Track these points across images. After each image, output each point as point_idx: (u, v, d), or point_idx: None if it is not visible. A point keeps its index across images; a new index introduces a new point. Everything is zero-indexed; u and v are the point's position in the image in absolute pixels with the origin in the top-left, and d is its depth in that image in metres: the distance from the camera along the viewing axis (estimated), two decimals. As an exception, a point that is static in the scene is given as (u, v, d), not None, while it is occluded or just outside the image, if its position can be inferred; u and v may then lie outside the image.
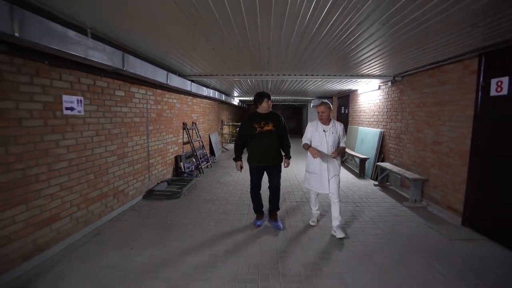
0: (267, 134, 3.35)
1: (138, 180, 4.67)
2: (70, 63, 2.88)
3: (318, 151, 3.20)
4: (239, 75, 5.70)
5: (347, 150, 7.24)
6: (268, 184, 3.60)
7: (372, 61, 4.28)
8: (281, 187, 3.64)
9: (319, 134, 3.35)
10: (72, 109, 3.09)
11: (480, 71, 3.51)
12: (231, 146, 13.34)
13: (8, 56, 2.34)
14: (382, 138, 6.36)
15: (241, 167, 3.58)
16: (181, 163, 6.37)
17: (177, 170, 6.33)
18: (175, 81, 4.98)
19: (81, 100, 3.23)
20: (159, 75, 4.33)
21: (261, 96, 3.36)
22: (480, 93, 3.50)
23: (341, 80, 6.33)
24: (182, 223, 3.74)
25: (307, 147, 3.33)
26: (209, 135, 9.32)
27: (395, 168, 5.36)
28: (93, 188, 3.51)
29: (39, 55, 2.52)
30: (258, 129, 3.33)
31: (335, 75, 5.65)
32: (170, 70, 4.89)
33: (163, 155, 5.70)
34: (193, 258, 2.85)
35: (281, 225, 3.56)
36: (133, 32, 2.95)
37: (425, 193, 4.67)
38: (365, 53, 3.75)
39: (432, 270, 2.65)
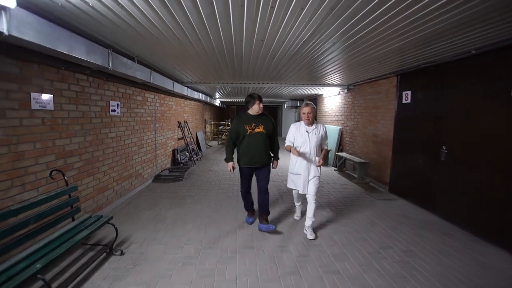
0: (257, 136, 3.36)
1: (150, 166, 5.88)
2: (115, 77, 4.08)
3: (300, 152, 3.27)
4: (223, 83, 7.04)
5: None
6: (257, 186, 3.62)
7: (333, 74, 5.74)
8: (268, 187, 3.65)
9: (301, 135, 3.35)
10: (114, 110, 4.29)
11: (397, 86, 5.18)
12: (214, 143, 14.60)
13: (89, 76, 3.55)
14: (341, 134, 8.02)
15: (233, 168, 3.53)
16: (178, 155, 7.60)
17: (174, 161, 7.55)
18: (177, 87, 6.24)
19: (118, 104, 4.43)
20: (168, 84, 5.58)
21: (252, 98, 3.37)
22: (397, 100, 5.16)
23: (309, 87, 7.88)
24: (191, 195, 5.05)
25: (289, 148, 3.34)
26: (196, 132, 10.54)
27: (349, 156, 7.01)
28: (124, 170, 4.71)
29: (101, 74, 3.72)
30: (249, 131, 3.35)
31: (303, 84, 7.16)
32: (173, 79, 6.13)
33: (165, 148, 6.91)
34: (206, 211, 4.20)
35: (273, 227, 3.47)
36: (157, 58, 4.21)
37: (368, 172, 6.34)
38: (329, 69, 5.05)
39: (363, 215, 4.21)
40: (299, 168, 3.38)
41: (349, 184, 6.10)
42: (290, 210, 4.33)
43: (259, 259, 2.87)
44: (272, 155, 3.66)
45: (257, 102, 3.39)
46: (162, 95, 6.58)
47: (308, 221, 3.39)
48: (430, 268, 2.73)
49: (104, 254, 2.87)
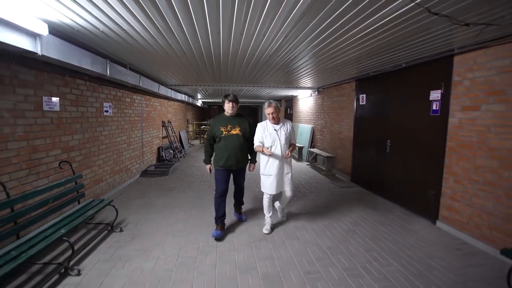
0: (233, 138, 3.32)
1: (137, 162, 6.40)
2: (108, 82, 4.61)
3: (272, 151, 3.27)
4: (204, 85, 7.64)
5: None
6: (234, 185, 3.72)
7: (304, 78, 6.44)
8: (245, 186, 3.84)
9: (270, 134, 3.34)
10: (107, 111, 4.82)
11: (356, 89, 6.03)
12: (196, 142, 15.11)
13: (87, 81, 4.08)
14: (313, 131, 8.86)
15: (211, 170, 3.61)
16: (163, 153, 8.13)
17: (159, 158, 8.07)
18: (162, 90, 6.79)
19: (110, 106, 4.95)
20: (154, 87, 6.13)
21: (225, 97, 3.35)
22: (356, 102, 6.02)
23: (285, 90, 8.64)
24: (176, 187, 5.65)
25: (261, 148, 3.30)
26: (179, 132, 11.04)
27: (319, 152, 7.84)
28: (115, 164, 5.23)
29: (97, 79, 4.24)
30: (224, 133, 3.31)
31: (280, 87, 7.91)
32: (159, 82, 6.68)
33: (151, 146, 7.43)
34: (190, 199, 4.83)
35: (244, 218, 3.88)
36: (145, 64, 4.76)
37: (335, 165, 7.19)
38: (300, 73, 5.68)
39: (324, 199, 5.00)
40: (271, 168, 3.36)
41: (318, 175, 6.92)
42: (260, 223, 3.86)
43: (236, 232, 3.56)
44: (249, 157, 3.65)
45: (226, 101, 3.34)
46: (148, 97, 7.10)
47: (279, 203, 3.86)
48: (368, 233, 3.54)
49: (106, 232, 3.45)
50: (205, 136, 14.74)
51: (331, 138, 7.47)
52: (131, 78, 4.65)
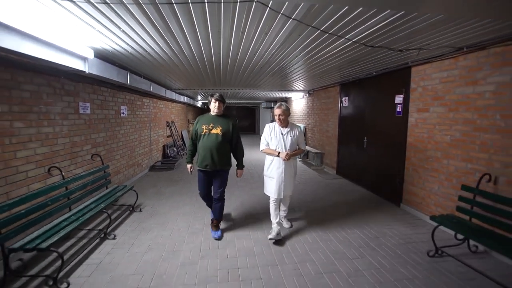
0: (212, 137, 3.20)
1: (146, 158, 7.19)
2: (124, 88, 5.39)
3: (279, 153, 3.20)
4: (204, 89, 8.43)
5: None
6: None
7: (297, 82, 7.24)
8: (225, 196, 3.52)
9: (276, 136, 3.27)
10: (123, 113, 5.60)
11: (340, 93, 6.84)
12: (197, 141, 15.87)
13: (109, 89, 4.86)
14: (305, 130, 9.66)
15: (191, 171, 3.53)
16: (167, 150, 8.91)
17: (164, 155, 8.85)
18: (168, 93, 7.58)
19: (126, 108, 5.74)
20: (161, 91, 6.92)
21: (212, 97, 3.28)
22: (340, 104, 6.82)
23: (280, 92, 9.44)
24: (182, 179, 6.44)
25: (268, 150, 3.31)
26: (181, 131, 11.82)
27: (310, 149, 8.64)
28: (130, 159, 6.02)
29: (116, 86, 5.02)
30: (205, 131, 3.22)
31: (275, 89, 8.70)
32: (165, 86, 7.46)
33: (157, 144, 8.21)
34: (195, 188, 5.55)
35: (219, 235, 3.40)
36: (156, 73, 5.55)
37: (323, 161, 7.99)
38: (293, 78, 6.46)
39: (311, 189, 5.80)
40: (273, 171, 3.28)
41: (308, 170, 7.73)
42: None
43: (235, 212, 4.36)
44: (234, 161, 3.49)
45: (213, 101, 3.26)
46: (155, 100, 7.89)
47: (283, 212, 3.73)
48: (341, 213, 4.34)
49: (128, 212, 4.24)
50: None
51: (320, 136, 8.28)
52: (144, 85, 5.45)
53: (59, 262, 2.68)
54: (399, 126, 4.62)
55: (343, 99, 6.64)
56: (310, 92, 8.90)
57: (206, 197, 3.55)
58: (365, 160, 5.69)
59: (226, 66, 4.88)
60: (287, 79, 6.65)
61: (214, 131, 3.23)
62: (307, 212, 4.34)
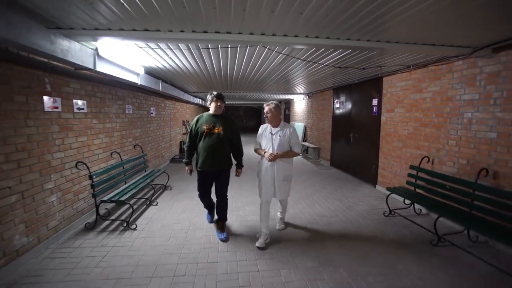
0: (213, 136, 3.15)
1: (167, 152, 8.45)
2: (153, 93, 6.63)
3: (265, 154, 3.12)
4: (217, 92, 9.64)
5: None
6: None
7: (299, 86, 8.43)
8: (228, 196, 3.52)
9: (265, 137, 3.21)
10: (152, 113, 6.86)
11: (333, 95, 7.99)
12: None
13: (143, 94, 6.12)
14: (305, 129, 10.82)
15: (191, 171, 3.46)
16: (184, 146, 10.17)
17: (181, 150, 10.12)
18: (185, 96, 8.84)
19: (154, 109, 6.99)
20: (181, 94, 8.18)
21: (213, 96, 3.22)
22: (333, 105, 7.98)
23: (283, 94, 10.62)
24: (199, 169, 7.67)
25: (259, 151, 3.25)
26: (193, 129, 13.08)
27: (308, 144, 9.80)
28: (156, 151, 7.28)
29: (147, 92, 6.27)
30: (206, 130, 3.15)
31: (279, 92, 9.88)
32: (183, 90, 8.71)
33: (175, 140, 9.48)
34: (211, 175, 6.85)
35: (225, 236, 3.30)
36: (179, 81, 6.80)
37: (320, 155, 9.15)
38: (295, 83, 7.78)
39: (313, 177, 6.97)
40: (261, 172, 3.23)
41: (307, 163, 8.90)
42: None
43: (245, 196, 5.57)
44: (234, 160, 3.46)
45: (214, 100, 3.20)
46: (174, 101, 9.16)
47: (279, 213, 3.69)
48: (328, 192, 5.51)
49: (162, 190, 5.47)
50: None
51: (317, 133, 9.44)
52: (170, 90, 6.70)
53: (129, 212, 3.97)
54: (375, 124, 5.77)
55: (335, 101, 7.80)
56: (309, 95, 10.07)
57: (206, 197, 3.52)
58: (352, 152, 6.85)
59: (238, 75, 6.09)
60: (290, 83, 7.85)
61: (215, 130, 3.17)
62: (300, 191, 5.51)
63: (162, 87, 5.97)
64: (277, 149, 3.11)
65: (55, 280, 2.49)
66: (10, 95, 2.58)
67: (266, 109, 3.19)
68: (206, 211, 3.95)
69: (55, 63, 3.01)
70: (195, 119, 3.32)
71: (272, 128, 3.22)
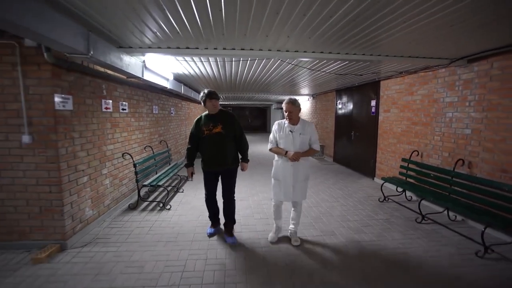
0: (216, 137, 3.07)
1: (183, 149, 9.19)
2: (172, 94, 7.35)
3: (287, 153, 2.96)
4: (224, 93, 10.38)
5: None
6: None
7: (304, 88, 9.14)
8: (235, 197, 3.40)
9: (285, 135, 3.01)
10: (172, 113, 7.61)
11: (336, 97, 8.66)
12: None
13: (165, 95, 6.86)
14: (310, 128, 11.49)
15: (192, 174, 3.39)
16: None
17: (194, 147, 10.86)
18: (198, 96, 9.57)
19: (173, 109, 7.74)
20: (196, 95, 8.92)
21: (207, 96, 3.05)
22: (336, 106, 8.65)
23: (289, 95, 11.29)
24: (213, 164, 8.41)
25: (277, 150, 3.08)
26: (204, 128, 13.82)
27: (313, 142, 10.47)
28: (175, 148, 8.02)
29: (169, 93, 7.00)
30: (206, 132, 3.07)
31: (285, 93, 10.56)
32: (197, 91, 9.44)
33: (189, 137, 10.23)
34: (225, 169, 7.58)
35: (235, 241, 3.23)
36: (196, 84, 7.53)
37: (324, 152, 9.83)
38: (301, 86, 8.51)
39: (317, 171, 7.64)
40: (279, 172, 3.10)
41: (311, 159, 9.58)
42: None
43: (258, 186, 6.28)
44: (240, 157, 3.37)
45: (208, 100, 3.06)
46: (188, 102, 9.91)
47: (292, 226, 3.29)
48: (331, 183, 6.20)
49: (184, 180, 6.21)
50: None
51: (322, 132, 10.11)
52: (189, 93, 7.45)
53: (163, 195, 4.77)
54: (373, 123, 6.44)
55: (338, 102, 8.48)
56: (314, 96, 10.75)
57: (213, 200, 3.43)
58: (353, 149, 7.52)
59: (250, 79, 6.82)
60: (296, 86, 8.56)
61: (215, 130, 3.08)
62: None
63: (184, 89, 6.70)
64: (298, 147, 2.98)
65: (119, 241, 3.24)
66: (84, 99, 3.33)
67: (288, 107, 2.96)
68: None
69: (110, 72, 3.75)
70: (195, 122, 3.25)
71: (291, 126, 3.03)
